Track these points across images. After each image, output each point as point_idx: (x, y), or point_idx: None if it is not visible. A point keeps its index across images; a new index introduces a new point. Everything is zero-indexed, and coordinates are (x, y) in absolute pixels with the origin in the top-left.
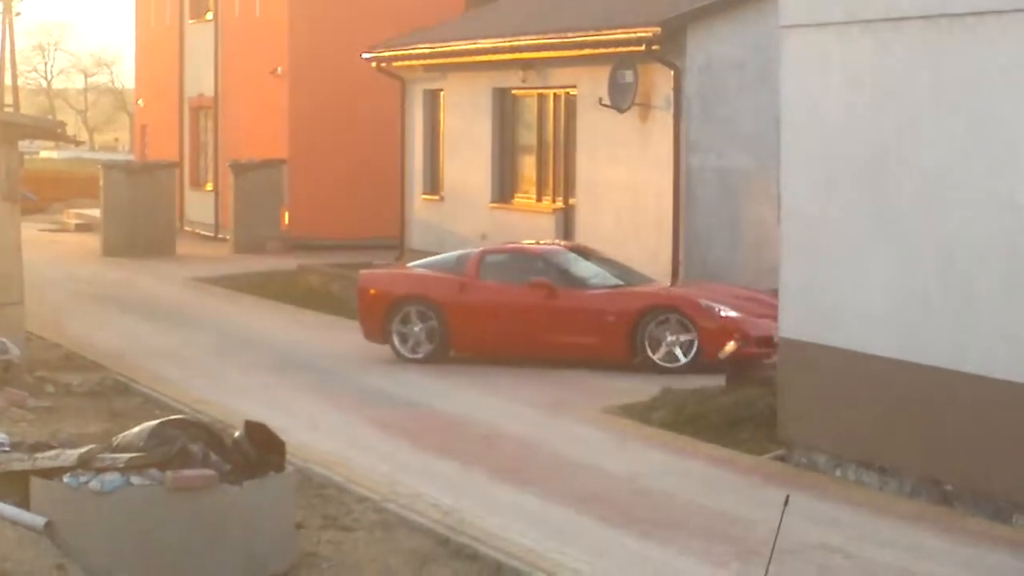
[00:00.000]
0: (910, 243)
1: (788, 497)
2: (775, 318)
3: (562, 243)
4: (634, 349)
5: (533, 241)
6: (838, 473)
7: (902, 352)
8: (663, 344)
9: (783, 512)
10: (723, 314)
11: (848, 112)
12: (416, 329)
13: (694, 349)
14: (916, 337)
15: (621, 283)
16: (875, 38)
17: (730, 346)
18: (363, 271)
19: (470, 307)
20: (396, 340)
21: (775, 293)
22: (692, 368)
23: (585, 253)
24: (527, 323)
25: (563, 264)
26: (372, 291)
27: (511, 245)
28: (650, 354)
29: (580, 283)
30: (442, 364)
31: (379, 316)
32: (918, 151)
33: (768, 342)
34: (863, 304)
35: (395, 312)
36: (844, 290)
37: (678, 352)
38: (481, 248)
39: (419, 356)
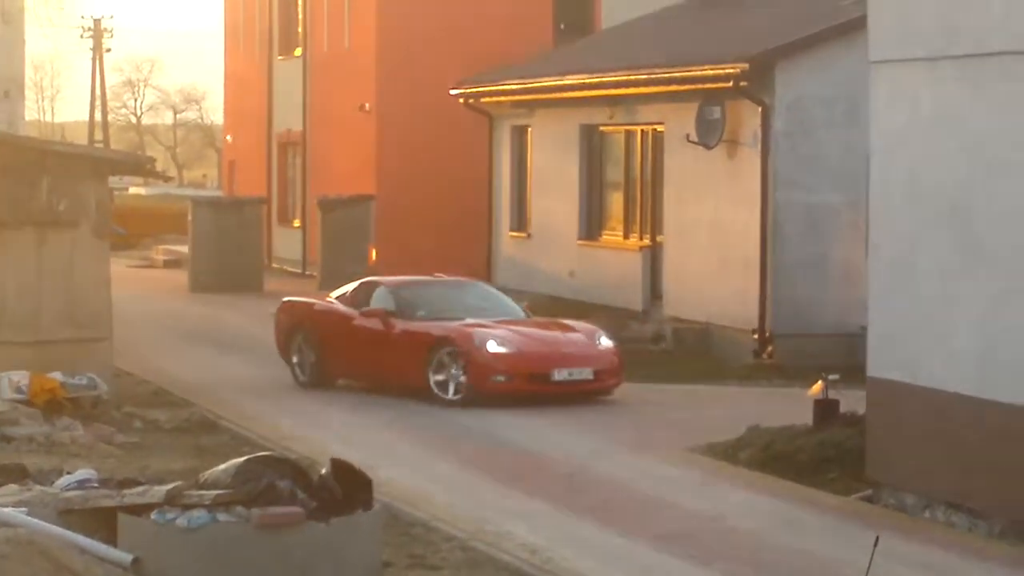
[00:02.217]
0: (1000, 282)
1: (878, 538)
2: (571, 362)
3: (462, 278)
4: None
5: (438, 275)
6: (927, 514)
7: (991, 392)
8: (441, 375)
9: (873, 553)
10: (491, 350)
11: (937, 148)
12: (305, 355)
13: (463, 381)
14: (1005, 377)
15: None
16: (965, 74)
17: (817, 386)
18: (285, 299)
19: (336, 336)
20: (295, 364)
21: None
22: (464, 401)
23: (486, 288)
24: (371, 351)
25: (411, 296)
26: (280, 318)
27: (397, 278)
28: (432, 384)
29: (410, 314)
30: (528, 403)
31: (282, 342)
32: (1008, 189)
33: (544, 378)
34: (951, 343)
35: (293, 339)
36: (932, 329)
37: (451, 384)
38: (364, 280)
39: (305, 380)
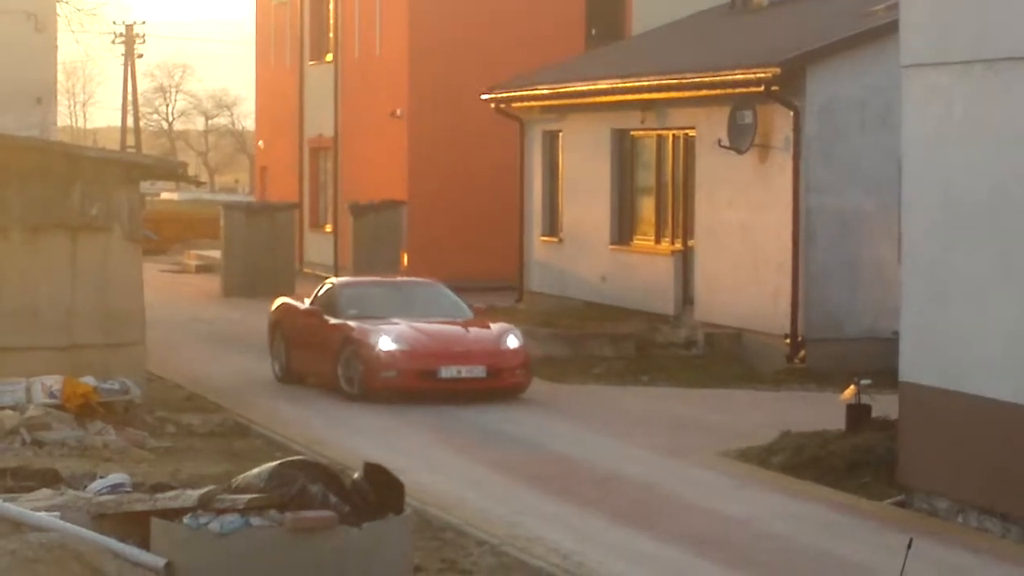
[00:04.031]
0: None
1: (911, 541)
2: (461, 359)
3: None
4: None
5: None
6: (960, 519)
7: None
8: (346, 370)
9: (906, 556)
10: (383, 347)
11: (970, 152)
12: (278, 352)
13: (359, 377)
14: None
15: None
16: (998, 77)
17: (849, 391)
18: (280, 298)
19: (295, 334)
20: (273, 360)
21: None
22: (359, 396)
23: (434, 288)
24: (311, 347)
25: (349, 295)
26: (270, 317)
27: (352, 278)
28: (340, 378)
29: (341, 312)
30: (556, 407)
31: (269, 339)
32: None
33: (431, 375)
34: (985, 348)
35: (275, 337)
36: (966, 333)
37: (350, 378)
38: (330, 281)
39: (279, 375)
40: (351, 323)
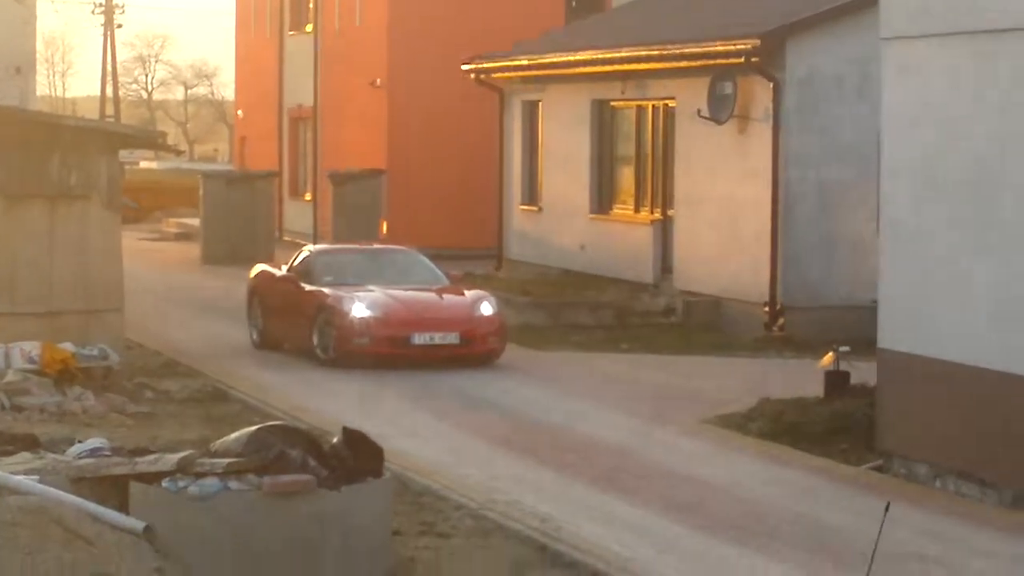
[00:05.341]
0: (1013, 254)
1: (888, 505)
2: (434, 327)
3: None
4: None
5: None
6: (937, 484)
7: (1003, 363)
8: (320, 336)
9: (883, 520)
10: (356, 314)
11: (949, 124)
12: (256, 318)
13: (332, 343)
14: (1017, 348)
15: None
16: (977, 49)
17: (827, 358)
18: (258, 265)
19: (272, 300)
20: (251, 326)
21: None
22: (335, 361)
23: (410, 255)
24: (286, 314)
25: (325, 262)
26: (248, 284)
27: (328, 245)
28: (314, 345)
29: (316, 279)
30: (535, 373)
31: (247, 305)
32: (1021, 162)
33: (403, 342)
34: (963, 315)
35: (252, 303)
36: (944, 301)
37: (324, 344)
38: (307, 248)
39: (256, 341)
40: (326, 290)
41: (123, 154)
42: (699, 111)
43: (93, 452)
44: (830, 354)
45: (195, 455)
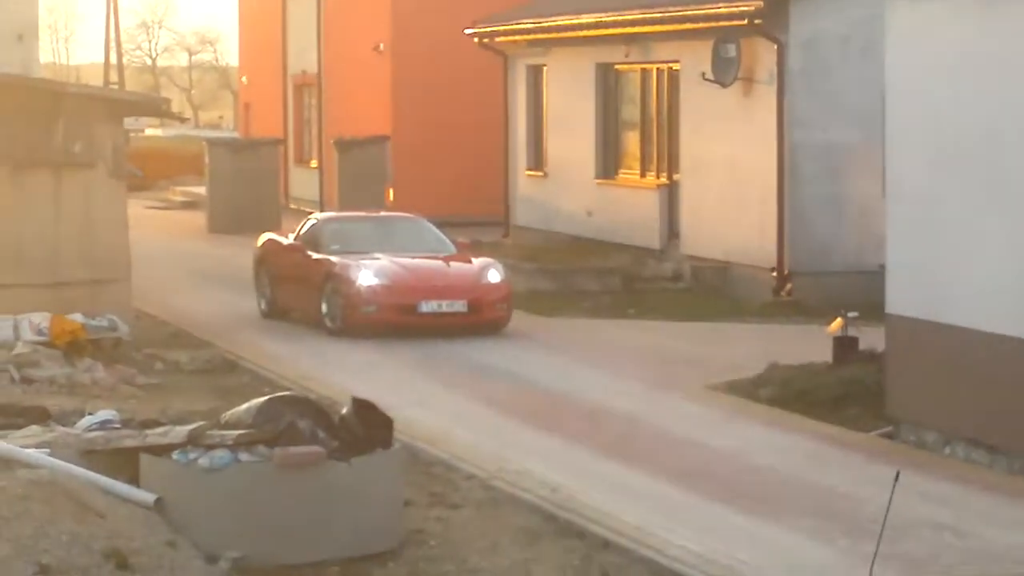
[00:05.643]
0: (1022, 217)
1: (898, 473)
2: (442, 294)
3: (400, 213)
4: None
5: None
6: (947, 451)
7: (1013, 328)
8: (328, 305)
9: (893, 487)
10: (364, 282)
11: (956, 85)
12: (264, 287)
13: (339, 311)
14: None
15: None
16: (985, 10)
17: (836, 323)
18: (265, 234)
19: (280, 268)
20: (259, 296)
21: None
22: (342, 330)
23: (417, 223)
24: (295, 282)
25: (332, 230)
26: (255, 253)
27: (334, 213)
28: (322, 313)
29: (324, 247)
30: (543, 341)
31: (254, 274)
32: None
33: (411, 310)
34: (973, 280)
35: (260, 272)
36: (953, 266)
37: (332, 314)
38: (313, 216)
39: (265, 310)
40: (333, 258)
41: (128, 121)
42: (703, 74)
43: (103, 424)
44: (839, 320)
45: (205, 427)
